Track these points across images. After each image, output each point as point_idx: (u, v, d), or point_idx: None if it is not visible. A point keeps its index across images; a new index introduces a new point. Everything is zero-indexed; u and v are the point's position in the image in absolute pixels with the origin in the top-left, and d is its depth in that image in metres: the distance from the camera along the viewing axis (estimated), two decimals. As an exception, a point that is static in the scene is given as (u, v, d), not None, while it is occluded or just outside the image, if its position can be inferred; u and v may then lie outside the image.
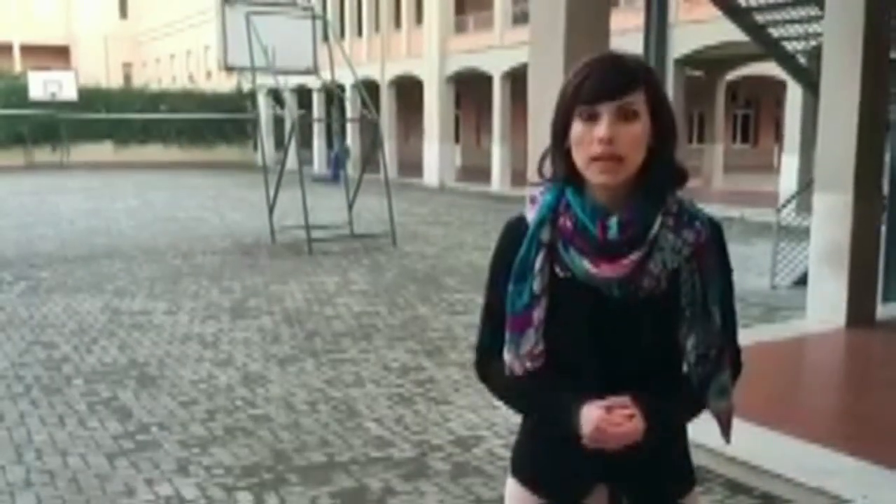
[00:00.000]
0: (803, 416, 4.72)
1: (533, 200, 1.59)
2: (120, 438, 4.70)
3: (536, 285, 1.52)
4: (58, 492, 3.99)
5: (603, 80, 1.46)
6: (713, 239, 1.54)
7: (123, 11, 52.81)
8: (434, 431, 4.83)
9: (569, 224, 1.51)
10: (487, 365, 1.66)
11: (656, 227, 1.48)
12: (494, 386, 1.68)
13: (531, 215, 1.57)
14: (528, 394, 1.59)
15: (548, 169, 1.58)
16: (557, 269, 1.53)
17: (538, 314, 1.53)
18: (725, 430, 1.66)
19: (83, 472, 4.22)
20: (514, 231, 1.59)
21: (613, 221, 1.48)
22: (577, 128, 1.48)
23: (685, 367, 1.56)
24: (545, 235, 1.53)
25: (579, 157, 1.49)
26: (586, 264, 1.49)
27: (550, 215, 1.54)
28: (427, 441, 4.67)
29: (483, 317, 1.66)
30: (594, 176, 1.48)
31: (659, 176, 1.51)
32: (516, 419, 1.68)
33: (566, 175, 1.54)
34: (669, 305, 1.51)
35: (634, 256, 1.47)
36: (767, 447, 4.07)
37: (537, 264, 1.52)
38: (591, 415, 1.47)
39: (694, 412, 1.60)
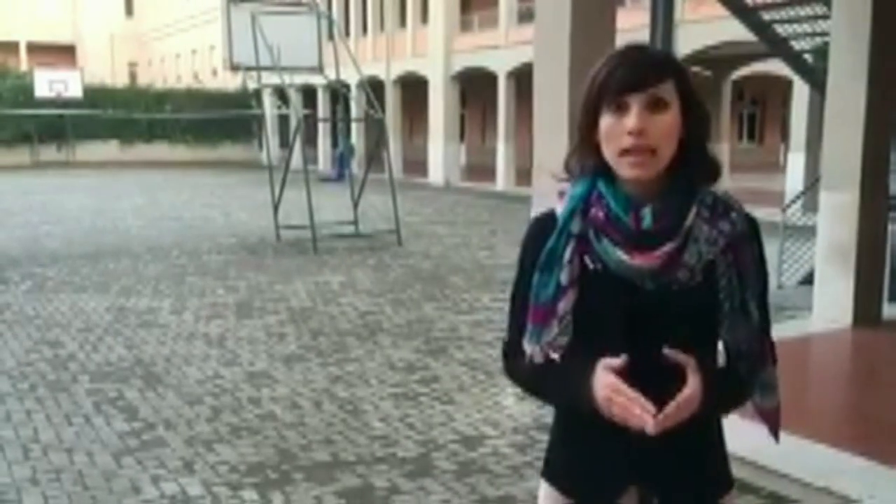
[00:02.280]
0: (810, 416, 4.71)
1: (562, 194, 1.55)
2: (126, 436, 4.71)
3: (564, 277, 1.50)
4: (64, 490, 4.00)
5: (632, 70, 1.42)
6: (749, 232, 1.50)
7: (129, 10, 52.91)
8: (439, 430, 4.83)
9: (601, 214, 1.48)
10: (514, 357, 1.62)
11: (691, 217, 1.45)
12: (519, 377, 1.66)
13: (560, 208, 1.54)
14: (548, 376, 1.57)
15: (575, 166, 1.55)
16: (588, 261, 1.50)
17: (563, 306, 1.50)
18: (774, 429, 1.63)
19: (89, 470, 4.23)
20: (543, 224, 1.56)
21: (647, 211, 1.45)
22: (606, 120, 1.44)
23: (723, 362, 1.52)
24: (575, 227, 1.50)
25: (609, 152, 1.45)
26: (620, 254, 1.45)
27: (581, 206, 1.50)
28: (432, 440, 4.67)
29: (511, 310, 1.64)
30: (625, 170, 1.44)
31: (691, 169, 1.48)
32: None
33: (596, 170, 1.50)
34: (704, 299, 1.47)
35: (669, 247, 1.44)
36: (774, 447, 4.04)
37: (566, 255, 1.50)
38: (604, 379, 1.44)
39: (734, 405, 1.56)
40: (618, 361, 1.43)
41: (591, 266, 1.50)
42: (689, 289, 1.46)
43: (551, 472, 1.67)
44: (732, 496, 1.63)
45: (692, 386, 1.42)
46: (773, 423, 1.63)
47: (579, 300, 1.50)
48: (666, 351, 1.43)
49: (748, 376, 1.54)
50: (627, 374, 1.44)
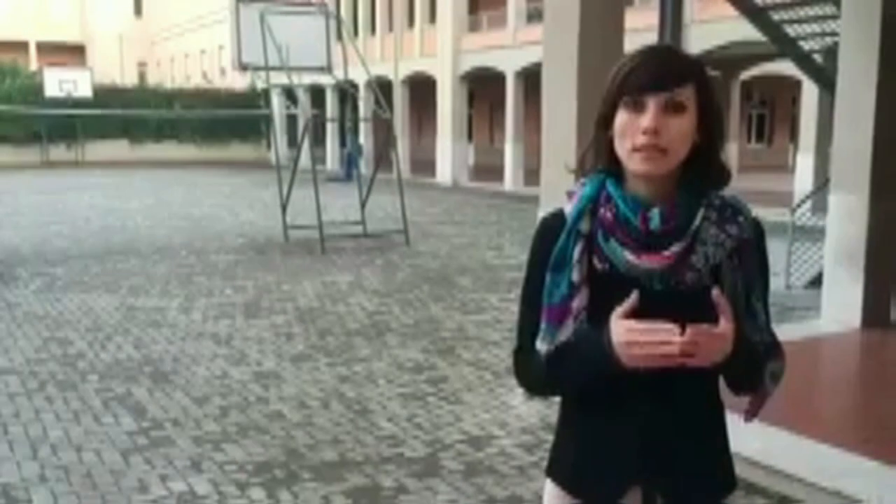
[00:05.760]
0: (819, 418, 4.69)
1: (571, 194, 1.56)
2: (134, 435, 4.73)
3: (575, 275, 1.50)
4: (72, 487, 4.02)
5: (652, 71, 1.43)
6: (756, 236, 1.51)
7: (138, 10, 53.09)
8: (446, 430, 4.83)
9: (609, 215, 1.48)
10: (526, 358, 1.60)
11: (698, 219, 1.45)
12: (532, 376, 1.62)
13: (569, 208, 1.54)
14: (563, 358, 1.52)
15: (590, 161, 1.56)
16: (596, 262, 1.50)
17: (577, 303, 1.50)
18: (755, 410, 1.61)
19: (98, 468, 4.24)
20: (551, 224, 1.57)
21: (655, 212, 1.45)
22: (621, 117, 1.45)
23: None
24: (584, 226, 1.51)
25: (622, 147, 1.46)
26: (627, 255, 1.46)
27: (590, 206, 1.51)
28: (439, 440, 4.67)
29: (521, 311, 1.63)
30: (636, 165, 1.44)
31: (701, 173, 1.48)
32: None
33: (607, 165, 1.51)
34: (711, 301, 1.45)
35: (676, 248, 1.44)
36: (783, 448, 4.04)
37: (576, 254, 1.50)
38: (619, 327, 1.41)
39: (750, 375, 1.52)
40: (628, 303, 1.41)
41: (598, 267, 1.50)
42: (697, 291, 1.46)
43: (556, 471, 1.67)
44: (735, 497, 1.63)
45: (725, 323, 1.38)
46: (757, 405, 1.61)
47: (587, 300, 1.50)
48: (714, 293, 1.40)
49: (763, 358, 1.53)
50: (635, 376, 1.43)
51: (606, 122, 1.48)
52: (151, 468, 4.25)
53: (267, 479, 4.11)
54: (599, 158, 1.53)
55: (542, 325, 1.54)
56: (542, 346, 1.54)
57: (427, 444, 4.60)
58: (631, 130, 1.43)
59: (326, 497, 3.92)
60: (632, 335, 1.39)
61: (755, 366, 1.53)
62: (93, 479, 4.11)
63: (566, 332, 1.52)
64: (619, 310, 1.43)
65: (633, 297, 1.42)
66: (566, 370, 1.55)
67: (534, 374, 1.61)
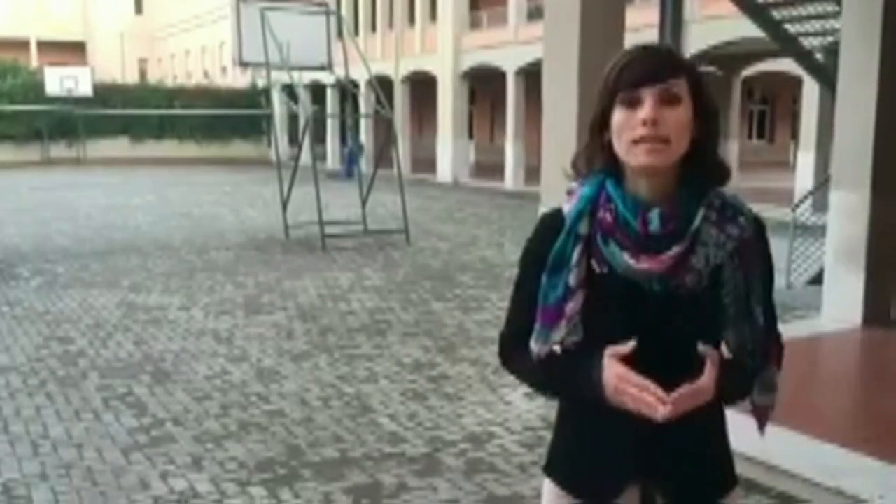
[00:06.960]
0: (820, 416, 4.69)
1: (570, 193, 1.55)
2: (135, 433, 4.73)
3: (572, 279, 1.49)
4: (73, 485, 4.02)
5: (645, 65, 1.43)
6: (757, 235, 1.50)
7: (139, 7, 53.05)
8: (447, 428, 4.84)
9: (608, 217, 1.48)
10: (514, 352, 1.62)
11: (698, 220, 1.45)
12: (521, 371, 1.65)
13: (568, 208, 1.53)
14: (554, 368, 1.55)
15: (582, 165, 1.55)
16: (594, 264, 1.49)
17: (572, 307, 1.50)
18: (762, 424, 1.63)
19: (98, 466, 4.25)
20: (550, 224, 1.56)
21: (655, 214, 1.44)
22: (618, 114, 1.45)
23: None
24: (583, 228, 1.50)
25: (621, 144, 1.45)
26: (626, 258, 1.45)
27: (589, 208, 1.50)
28: (440, 437, 4.68)
29: (513, 307, 1.64)
30: (639, 158, 1.43)
31: (701, 170, 1.48)
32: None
33: (605, 167, 1.50)
34: (710, 302, 1.47)
35: (676, 251, 1.43)
36: (784, 447, 4.04)
37: (574, 257, 1.49)
38: (611, 370, 1.44)
39: (738, 397, 1.55)
40: (624, 348, 1.44)
41: (597, 269, 1.50)
42: (697, 293, 1.46)
43: (554, 469, 1.67)
44: (736, 495, 1.63)
45: (708, 377, 1.41)
46: (763, 419, 1.63)
47: (586, 302, 1.50)
48: (700, 348, 1.42)
49: (753, 372, 1.54)
50: (635, 367, 1.44)
51: (602, 122, 1.48)
52: (152, 466, 4.25)
53: (268, 477, 4.12)
54: (596, 160, 1.52)
55: (537, 326, 1.54)
56: (535, 346, 1.54)
57: (428, 442, 4.60)
58: (630, 125, 1.43)
59: (327, 495, 3.92)
60: (621, 384, 1.42)
61: (742, 388, 1.55)
62: (93, 477, 4.11)
63: (560, 334, 1.52)
64: (614, 350, 1.45)
65: (630, 344, 1.43)
66: (554, 382, 1.59)
67: (522, 370, 1.64)
